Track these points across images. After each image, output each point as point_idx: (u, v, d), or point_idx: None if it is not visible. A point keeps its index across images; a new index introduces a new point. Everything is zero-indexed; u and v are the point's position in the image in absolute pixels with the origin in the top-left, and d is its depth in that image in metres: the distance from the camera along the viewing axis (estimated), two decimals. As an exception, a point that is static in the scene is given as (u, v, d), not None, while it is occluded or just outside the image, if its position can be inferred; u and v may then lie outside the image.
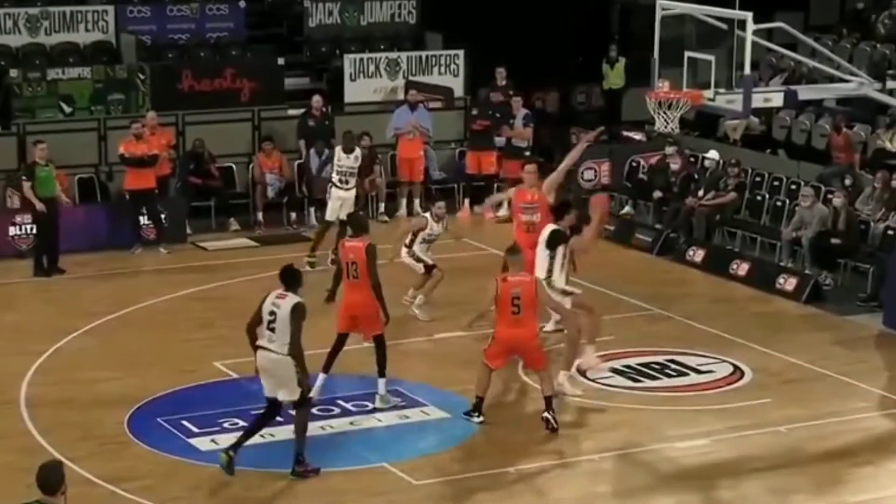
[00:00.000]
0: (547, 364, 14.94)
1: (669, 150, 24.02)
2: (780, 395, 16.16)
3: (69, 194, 22.13)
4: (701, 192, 22.89)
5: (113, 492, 13.33)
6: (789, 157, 24.87)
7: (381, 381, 15.52)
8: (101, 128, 23.98)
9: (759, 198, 22.87)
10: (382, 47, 27.25)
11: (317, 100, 24.70)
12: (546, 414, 14.75)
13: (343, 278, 15.90)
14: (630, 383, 16.53)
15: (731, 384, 16.65)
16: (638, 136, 26.58)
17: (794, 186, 22.71)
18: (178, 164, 23.68)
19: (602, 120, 29.00)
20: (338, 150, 21.19)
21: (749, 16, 16.63)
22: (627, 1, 30.99)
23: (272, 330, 13.37)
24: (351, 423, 15.21)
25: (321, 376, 15.61)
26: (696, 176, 23.49)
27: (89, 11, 25.86)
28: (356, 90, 26.28)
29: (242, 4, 27.09)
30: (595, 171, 25.33)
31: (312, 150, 24.16)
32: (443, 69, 26.81)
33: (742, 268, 21.07)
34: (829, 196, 21.25)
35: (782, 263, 21.02)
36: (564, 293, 15.94)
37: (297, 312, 13.28)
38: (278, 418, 15.17)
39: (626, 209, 24.34)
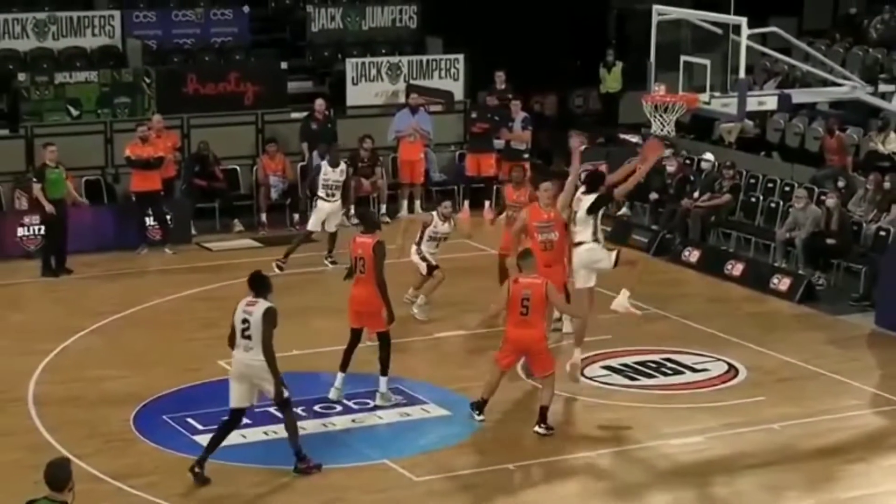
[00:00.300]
0: (552, 370, 14.71)
1: (666, 152, 23.99)
2: (773, 394, 16.17)
3: (80, 193, 22.11)
4: (696, 194, 22.90)
5: (119, 488, 13.33)
6: (783, 159, 24.86)
7: (383, 380, 15.52)
8: (108, 131, 23.99)
9: (753, 199, 22.87)
10: (384, 52, 27.26)
11: (319, 103, 24.72)
12: (537, 428, 14.62)
13: (353, 274, 15.84)
14: (627, 381, 16.53)
15: (725, 382, 16.65)
16: (635, 138, 26.55)
17: (787, 188, 22.71)
18: (183, 167, 23.68)
19: (599, 123, 29.17)
20: (324, 164, 21.30)
21: (743, 21, 16.61)
22: (624, 6, 31.00)
23: (248, 338, 13.26)
24: (353, 421, 15.21)
25: (340, 375, 15.61)
26: (692, 178, 23.48)
27: (96, 16, 25.88)
28: (358, 94, 26.30)
29: (246, 9, 27.11)
30: (592, 173, 25.28)
31: (315, 153, 24.17)
32: (443, 73, 26.81)
33: (737, 268, 21.07)
34: (823, 198, 21.24)
35: (776, 264, 21.02)
36: (609, 249, 16.12)
37: (269, 317, 13.18)
38: (280, 416, 15.21)
39: (623, 210, 24.32)
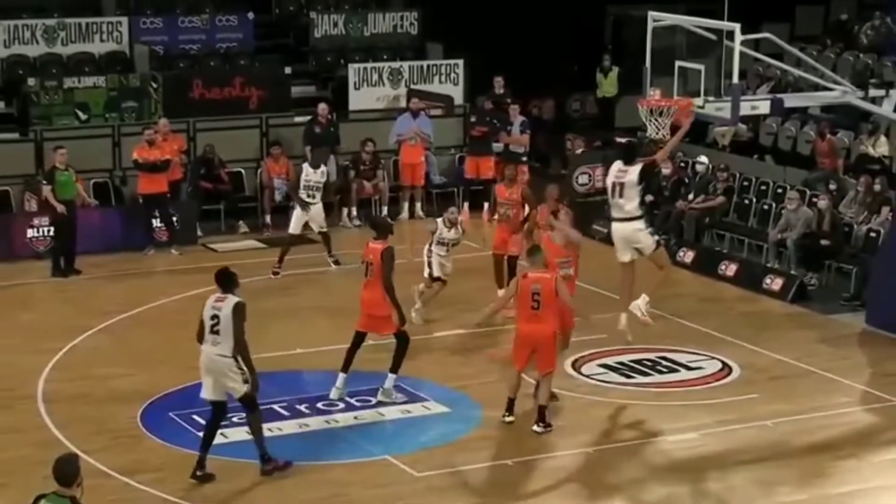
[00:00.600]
0: (553, 368, 14.67)
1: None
2: (766, 391, 16.17)
3: (89, 195, 22.13)
4: (691, 196, 22.91)
5: (126, 483, 13.33)
6: (776, 162, 24.87)
7: (391, 376, 15.50)
8: (116, 134, 24.00)
9: (746, 201, 22.88)
10: (385, 57, 27.26)
11: (322, 107, 24.72)
12: (535, 428, 14.57)
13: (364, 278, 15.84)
14: (623, 379, 16.53)
15: (719, 380, 16.65)
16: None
17: (780, 190, 22.72)
18: (189, 169, 23.69)
19: (596, 126, 29.18)
20: (305, 165, 21.13)
21: (737, 27, 16.61)
22: (620, 13, 31.01)
23: (216, 332, 13.18)
24: (355, 418, 15.21)
25: (341, 376, 15.59)
26: (687, 180, 23.49)
27: (104, 23, 25.89)
28: (360, 98, 26.30)
29: (251, 16, 27.12)
30: (589, 175, 25.29)
31: (318, 156, 24.20)
32: (443, 78, 26.82)
33: (730, 268, 21.08)
34: (814, 200, 21.25)
35: (769, 264, 21.02)
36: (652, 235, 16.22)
37: (239, 312, 13.10)
38: (283, 412, 15.23)
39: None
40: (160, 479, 13.44)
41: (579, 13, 30.21)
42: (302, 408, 15.43)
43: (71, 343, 17.61)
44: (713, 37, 16.93)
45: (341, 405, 15.49)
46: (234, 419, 14.95)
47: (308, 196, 20.82)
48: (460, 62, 26.87)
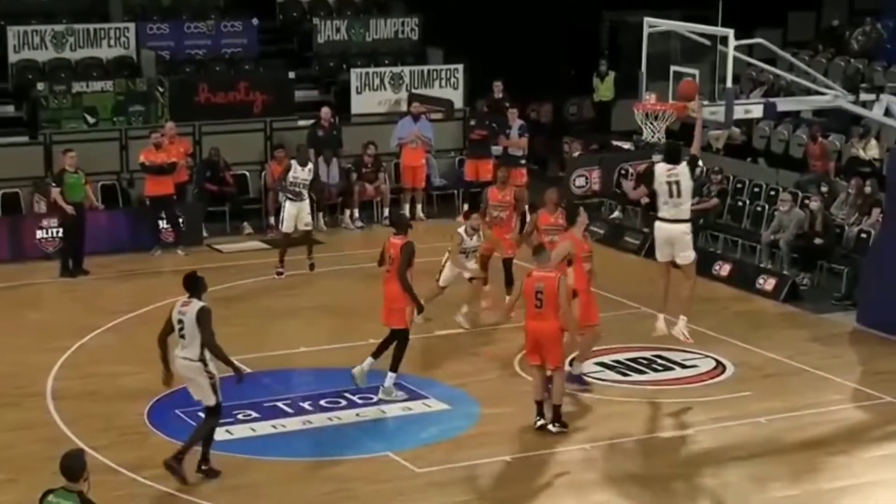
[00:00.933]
0: (563, 364, 14.60)
1: (656, 158, 23.91)
2: (759, 389, 16.16)
3: (97, 197, 22.12)
4: (686, 198, 22.86)
5: (133, 479, 13.33)
6: (768, 165, 24.86)
7: (391, 375, 15.49)
8: (123, 137, 23.99)
9: (740, 203, 22.87)
10: (387, 62, 27.26)
11: (325, 111, 24.71)
12: (551, 427, 14.46)
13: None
14: (619, 377, 16.52)
15: (713, 378, 16.64)
16: (626, 145, 26.58)
17: (773, 192, 22.71)
18: (195, 172, 23.68)
19: (593, 130, 29.18)
20: (293, 162, 20.94)
21: (730, 32, 16.62)
22: (616, 19, 31.02)
23: (182, 337, 13.11)
24: (357, 415, 15.20)
25: (369, 359, 15.65)
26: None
27: (112, 28, 25.88)
28: (362, 102, 26.30)
29: (255, 22, 27.11)
30: (586, 178, 25.33)
31: (321, 159, 24.18)
32: (443, 82, 26.81)
33: (724, 269, 21.06)
34: (806, 201, 21.24)
35: (762, 265, 21.01)
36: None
37: (203, 317, 13.00)
38: (287, 409, 15.23)
39: (616, 214, 24.32)
40: (167, 475, 13.39)
41: (576, 19, 30.22)
42: (305, 405, 15.42)
43: (79, 342, 17.60)
44: (707, 42, 16.95)
45: (343, 402, 15.47)
46: (240, 416, 14.99)
47: (294, 193, 20.70)
48: (460, 67, 26.87)
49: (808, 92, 19.02)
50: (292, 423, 14.90)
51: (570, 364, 15.91)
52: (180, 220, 22.51)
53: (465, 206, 24.65)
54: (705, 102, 16.90)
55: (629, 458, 14.24)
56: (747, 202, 22.82)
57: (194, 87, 24.94)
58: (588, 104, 30.07)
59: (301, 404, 15.44)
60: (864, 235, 20.44)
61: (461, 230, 18.03)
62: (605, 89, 29.22)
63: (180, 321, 13.11)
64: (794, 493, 13.44)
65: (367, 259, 21.74)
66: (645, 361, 17.11)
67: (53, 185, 21.10)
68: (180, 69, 26.04)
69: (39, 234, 21.82)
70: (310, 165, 21.03)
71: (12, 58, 25.10)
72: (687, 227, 16.35)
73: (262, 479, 13.49)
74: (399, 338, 15.47)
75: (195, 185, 23.61)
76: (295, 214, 20.69)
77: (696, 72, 16.92)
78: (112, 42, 25.76)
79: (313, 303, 19.60)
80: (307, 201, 20.87)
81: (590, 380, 16.13)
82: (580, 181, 25.26)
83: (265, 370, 16.61)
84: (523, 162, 24.87)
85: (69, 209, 20.69)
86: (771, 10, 29.15)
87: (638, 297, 19.15)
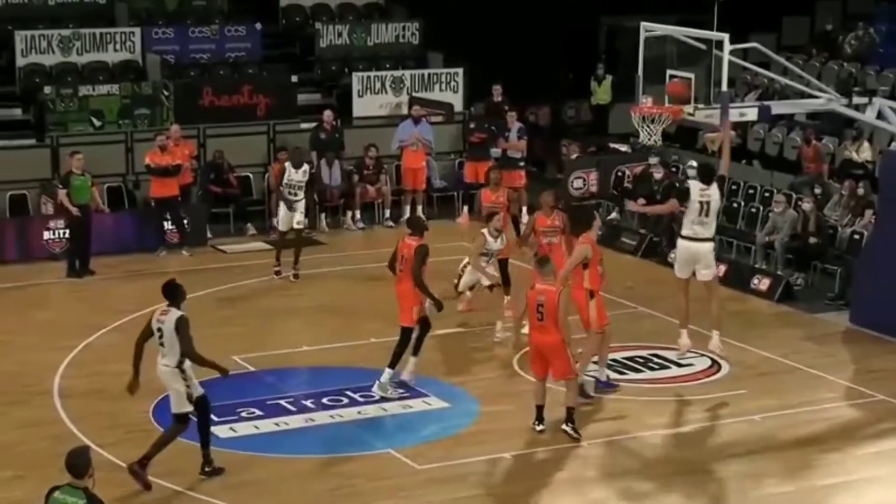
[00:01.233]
0: (573, 374, 14.39)
1: (653, 160, 24.04)
2: (754, 387, 16.15)
3: (103, 199, 22.10)
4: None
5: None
6: (763, 167, 24.85)
7: (388, 371, 15.48)
8: (129, 140, 23.99)
9: (735, 204, 22.86)
10: (388, 66, 27.26)
11: (328, 114, 24.71)
12: (565, 427, 14.31)
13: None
14: (616, 376, 16.48)
15: (709, 376, 16.63)
16: (624, 147, 26.57)
17: (767, 194, 22.69)
18: (199, 174, 23.69)
19: (590, 133, 29.17)
20: (287, 165, 20.74)
21: (725, 37, 16.61)
22: (614, 23, 31.01)
23: (162, 345, 13.03)
24: (359, 413, 15.19)
25: (412, 359, 15.70)
26: (677, 184, 23.43)
27: (118, 33, 25.88)
28: (364, 105, 26.30)
29: (259, 26, 27.11)
30: (584, 179, 25.33)
31: (323, 161, 24.20)
32: (443, 86, 26.81)
33: (720, 269, 21.00)
34: (800, 203, 21.23)
35: (757, 265, 21.00)
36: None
37: (181, 326, 12.90)
38: (290, 408, 15.22)
39: (613, 215, 24.31)
40: (170, 472, 13.40)
41: (574, 24, 30.22)
42: (308, 403, 15.41)
43: (86, 341, 17.59)
44: (703, 46, 16.94)
45: (345, 400, 15.46)
46: (243, 414, 15.00)
47: (290, 193, 20.54)
48: (460, 71, 26.87)
49: (802, 95, 19.02)
50: (295, 421, 14.90)
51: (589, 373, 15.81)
52: (185, 222, 22.51)
53: (465, 208, 24.67)
54: (701, 106, 16.91)
55: (627, 456, 14.23)
56: (742, 203, 22.81)
57: (199, 91, 24.94)
58: (586, 107, 30.05)
59: (304, 402, 15.43)
60: (856, 236, 20.44)
61: (485, 231, 17.52)
62: (602, 93, 29.22)
63: (160, 329, 13.01)
64: (788, 489, 13.44)
65: (368, 259, 21.80)
66: (641, 360, 17.10)
67: (60, 186, 21.09)
68: (185, 73, 26.04)
69: (46, 235, 21.82)
70: (304, 167, 20.78)
71: (20, 61, 25.10)
72: (712, 245, 16.35)
73: (266, 476, 13.48)
74: (402, 335, 15.46)
75: (199, 186, 23.61)
76: (291, 213, 20.59)
77: (691, 75, 16.92)
78: (118, 46, 25.75)
79: (315, 302, 19.60)
80: (303, 202, 20.64)
81: (616, 382, 16.02)
82: (578, 183, 25.26)
83: (268, 369, 16.61)
84: (522, 164, 24.89)
85: (74, 211, 20.69)
86: (765, 14, 29.14)
87: (635, 297, 19.16)
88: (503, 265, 18.57)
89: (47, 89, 23.98)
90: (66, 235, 21.44)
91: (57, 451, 11.66)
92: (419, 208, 24.64)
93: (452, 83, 26.85)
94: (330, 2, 28.76)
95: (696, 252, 16.22)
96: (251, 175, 24.51)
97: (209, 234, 23.11)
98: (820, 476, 13.81)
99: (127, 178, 23.71)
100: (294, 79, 26.02)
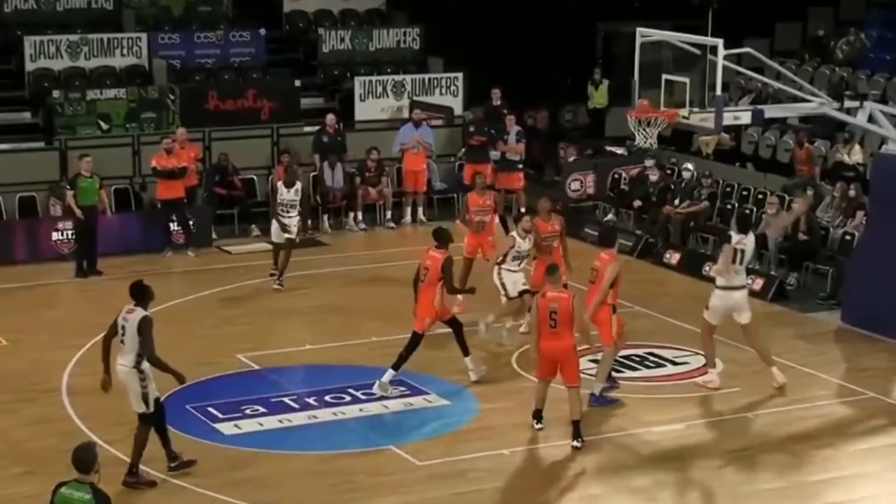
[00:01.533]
0: (579, 383, 14.26)
1: (648, 163, 24.05)
2: (748, 385, 16.14)
3: (110, 200, 22.08)
4: (677, 201, 22.88)
5: (145, 471, 13.28)
6: (756, 169, 24.85)
7: (390, 371, 15.45)
8: (135, 143, 23.99)
9: (729, 206, 22.85)
10: (389, 70, 27.26)
11: (330, 118, 24.71)
12: (574, 443, 14.08)
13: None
14: (613, 374, 16.46)
15: (704, 374, 16.60)
16: (620, 150, 26.57)
17: (760, 196, 22.69)
18: (204, 176, 23.68)
19: (587, 136, 29.17)
20: (279, 184, 20.37)
21: (720, 42, 16.62)
22: (610, 29, 31.00)
23: (123, 343, 12.96)
24: (360, 410, 15.18)
25: (467, 358, 15.84)
26: (673, 186, 23.47)
27: (125, 38, 25.88)
28: (366, 109, 26.30)
29: (263, 32, 27.11)
30: (581, 182, 25.34)
31: (325, 164, 24.20)
32: (444, 90, 26.82)
33: (713, 268, 21.01)
34: (793, 205, 21.21)
35: (750, 265, 20.95)
36: None
37: (144, 326, 12.80)
38: (293, 405, 15.22)
39: (609, 216, 24.32)
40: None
41: (572, 29, 30.22)
42: (311, 400, 15.41)
43: (93, 339, 17.47)
44: (698, 51, 16.95)
45: (347, 398, 15.45)
46: (247, 411, 14.99)
47: (282, 211, 20.14)
48: (460, 75, 26.87)
49: (795, 99, 19.02)
50: (298, 418, 14.89)
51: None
52: (191, 223, 22.50)
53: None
54: (696, 109, 16.90)
55: (623, 452, 14.22)
56: (736, 205, 22.81)
57: (204, 95, 24.94)
58: (583, 111, 30.05)
59: (306, 400, 15.42)
60: (848, 237, 20.44)
61: (514, 234, 17.28)
62: (599, 97, 29.21)
63: (123, 327, 12.94)
64: (781, 485, 13.44)
65: (369, 260, 21.85)
66: (637, 359, 17.09)
67: (68, 187, 21.10)
68: (190, 77, 26.04)
69: (55, 235, 21.81)
70: (297, 185, 20.29)
71: (29, 66, 25.11)
72: (745, 290, 16.11)
73: (270, 472, 13.48)
74: (412, 339, 15.50)
75: (205, 188, 23.60)
76: (283, 229, 20.17)
77: (687, 80, 16.92)
78: (125, 51, 25.76)
79: (318, 302, 19.59)
80: (295, 219, 20.17)
81: (613, 396, 15.74)
82: (575, 185, 25.27)
83: (272, 367, 16.61)
84: (520, 166, 24.92)
85: (77, 212, 20.69)
86: (759, 20, 29.14)
87: (631, 297, 19.09)
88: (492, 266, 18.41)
89: (56, 93, 23.99)
90: (74, 236, 21.43)
91: (65, 448, 11.66)
92: (420, 210, 24.66)
93: (452, 87, 26.85)
94: (332, 8, 28.77)
95: (735, 301, 15.95)
96: (255, 177, 24.50)
97: (214, 235, 23.10)
98: (812, 472, 13.80)
99: (134, 180, 23.70)
100: (297, 83, 26.02)
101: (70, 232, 21.57)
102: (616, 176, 25.16)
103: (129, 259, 21.53)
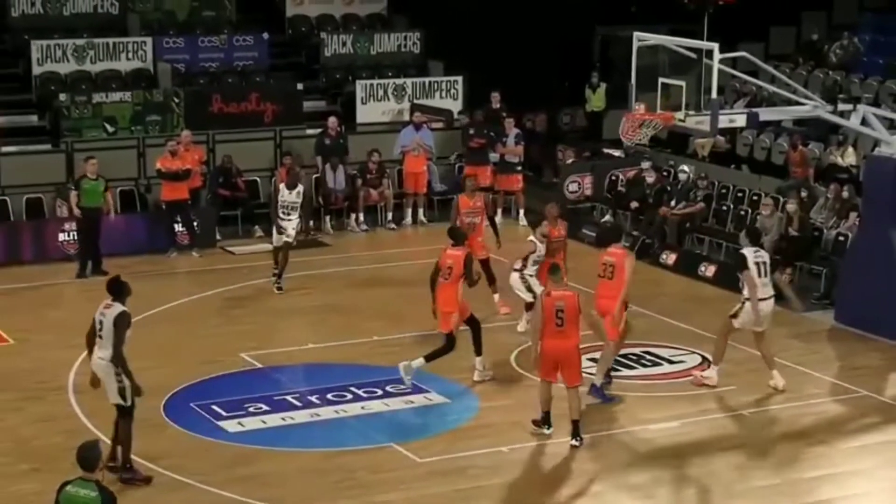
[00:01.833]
0: (580, 382, 14.21)
1: (645, 164, 24.03)
2: (743, 383, 16.13)
3: (116, 202, 22.06)
4: (673, 203, 22.87)
5: (149, 468, 13.30)
6: (751, 171, 24.83)
7: (419, 360, 15.52)
8: (141, 146, 23.99)
9: (724, 207, 22.85)
10: (390, 74, 27.24)
11: (332, 121, 24.71)
12: (573, 442, 14.02)
13: (438, 279, 15.83)
14: (610, 372, 16.46)
15: (699, 373, 16.59)
16: (617, 152, 26.55)
17: (755, 197, 22.68)
18: (208, 178, 23.67)
19: (585, 138, 29.15)
20: (282, 186, 20.20)
21: (715, 46, 16.61)
22: (608, 33, 31.00)
23: (100, 336, 12.91)
24: (362, 408, 15.18)
25: (478, 359, 15.86)
26: (669, 188, 23.45)
27: (130, 42, 25.87)
28: (367, 112, 26.30)
29: (266, 36, 27.09)
30: (579, 183, 25.32)
31: (328, 165, 24.18)
32: (444, 93, 26.81)
33: (709, 270, 21.05)
34: (787, 207, 21.21)
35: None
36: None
37: (120, 321, 12.76)
38: (296, 403, 15.22)
39: (607, 217, 24.30)
40: (181, 465, 13.42)
41: (570, 34, 30.21)
42: (313, 398, 15.40)
43: (99, 339, 17.55)
44: (693, 55, 16.94)
45: (349, 396, 15.45)
46: (251, 409, 14.98)
47: (284, 214, 19.98)
48: (459, 79, 26.87)
49: (789, 102, 19.01)
50: (301, 416, 14.88)
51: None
52: (195, 224, 22.49)
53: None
54: (692, 112, 16.89)
55: (621, 449, 14.22)
56: (731, 206, 22.81)
57: (208, 98, 24.93)
58: (581, 114, 30.02)
59: (309, 398, 15.42)
60: (841, 238, 20.42)
61: (533, 238, 17.07)
62: (596, 100, 29.19)
63: (101, 322, 12.91)
64: (776, 482, 13.43)
65: (370, 261, 21.85)
66: (634, 357, 17.08)
67: (72, 188, 21.09)
68: (195, 81, 26.02)
69: (61, 236, 21.82)
70: (299, 188, 20.12)
71: (36, 70, 25.09)
72: (771, 302, 15.99)
73: (273, 469, 13.47)
74: (447, 342, 15.57)
75: (209, 190, 23.60)
76: (284, 232, 19.95)
77: (683, 83, 16.92)
78: (130, 55, 25.74)
79: (320, 302, 19.58)
80: (295, 221, 19.98)
81: (613, 394, 15.72)
82: (573, 186, 25.26)
83: (275, 365, 16.60)
84: (519, 168, 24.93)
85: (76, 212, 20.69)
86: (753, 25, 29.12)
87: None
88: (485, 265, 18.42)
89: (62, 97, 23.97)
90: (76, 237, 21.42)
91: (71, 445, 11.62)
92: (420, 211, 24.66)
93: (452, 91, 26.84)
94: (334, 12, 28.75)
95: (769, 311, 15.98)
96: (258, 179, 24.49)
97: (218, 236, 23.09)
98: (807, 469, 13.80)
99: (139, 182, 23.70)
100: (300, 86, 26.02)
101: (76, 233, 21.55)
102: (613, 178, 25.15)
103: (135, 259, 21.52)
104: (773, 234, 20.66)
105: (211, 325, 18.46)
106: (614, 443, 14.37)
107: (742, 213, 22.41)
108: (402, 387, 15.57)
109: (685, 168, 23.87)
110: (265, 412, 14.92)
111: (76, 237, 21.51)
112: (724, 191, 23.48)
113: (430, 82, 26.83)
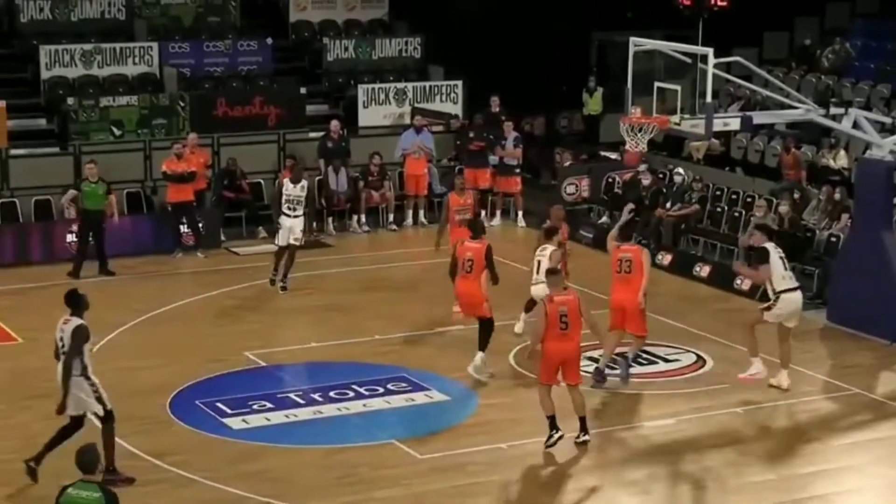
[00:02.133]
0: (580, 380, 14.17)
1: (641, 167, 23.99)
2: (737, 381, 16.11)
3: (123, 204, 22.02)
4: (668, 204, 22.85)
5: (155, 464, 13.32)
6: (745, 173, 24.81)
7: (480, 355, 15.70)
8: (147, 148, 23.97)
9: (718, 209, 22.82)
10: (391, 78, 27.23)
11: (335, 124, 24.69)
12: (583, 437, 13.95)
13: (458, 272, 16.00)
14: (606, 371, 16.43)
15: (694, 371, 16.61)
16: (614, 155, 26.54)
17: (749, 199, 22.66)
18: (213, 180, 23.66)
19: (582, 142, 29.14)
20: (286, 180, 20.04)
21: (710, 51, 16.61)
22: (604, 38, 30.97)
23: (64, 354, 12.77)
24: (364, 405, 15.17)
25: (480, 354, 15.87)
26: (665, 190, 23.43)
27: (136, 47, 25.85)
28: (369, 116, 26.27)
29: (269, 41, 27.08)
30: (576, 185, 25.29)
31: (330, 168, 24.17)
32: (444, 97, 26.79)
33: (704, 270, 21.03)
34: (780, 207, 21.19)
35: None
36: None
37: (77, 334, 12.64)
38: (299, 400, 15.20)
39: (603, 219, 24.27)
40: (186, 462, 13.41)
41: (567, 39, 30.18)
42: (316, 396, 15.39)
43: (106, 338, 17.53)
44: (689, 60, 16.93)
45: (351, 394, 15.43)
46: (255, 406, 14.97)
47: (289, 208, 19.83)
48: (459, 83, 26.85)
49: (782, 106, 18.99)
50: (304, 413, 14.87)
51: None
52: (200, 225, 22.48)
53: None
54: (686, 116, 16.88)
55: (618, 446, 14.21)
56: (725, 208, 22.78)
57: (213, 102, 24.91)
58: (578, 117, 30.00)
59: (312, 395, 15.41)
60: (833, 239, 20.41)
61: (550, 248, 16.70)
62: (593, 104, 29.17)
63: (61, 339, 12.78)
64: (770, 477, 13.42)
65: (372, 261, 21.84)
66: (631, 356, 17.03)
67: (74, 190, 21.14)
68: (200, 85, 26.01)
69: (69, 237, 21.79)
70: (303, 182, 20.03)
71: (44, 74, 25.08)
72: (799, 294, 15.99)
73: (276, 465, 13.46)
74: (484, 324, 15.78)
75: (214, 192, 23.58)
76: (289, 227, 19.78)
77: (678, 87, 16.90)
78: (137, 60, 25.73)
79: (323, 302, 19.57)
80: (301, 218, 19.89)
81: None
82: (571, 189, 25.22)
83: (278, 364, 16.59)
84: (518, 171, 24.92)
85: (67, 212, 20.70)
86: (747, 30, 29.09)
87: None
88: None
89: (70, 100, 23.96)
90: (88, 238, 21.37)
91: (77, 443, 11.66)
92: (421, 213, 24.64)
93: (452, 94, 26.82)
94: (337, 18, 28.74)
95: (799, 303, 15.96)
96: (263, 181, 24.46)
97: (223, 237, 23.08)
98: (800, 465, 13.79)
99: (145, 184, 23.68)
100: (303, 90, 25.99)
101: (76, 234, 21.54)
102: (610, 180, 25.12)
103: (141, 260, 21.52)
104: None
105: (216, 325, 18.44)
106: (611, 440, 14.36)
107: (736, 214, 22.38)
108: (403, 385, 15.57)
109: (680, 170, 23.87)
110: (269, 409, 14.91)
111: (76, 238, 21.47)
112: (718, 193, 23.46)
113: (430, 86, 26.81)
